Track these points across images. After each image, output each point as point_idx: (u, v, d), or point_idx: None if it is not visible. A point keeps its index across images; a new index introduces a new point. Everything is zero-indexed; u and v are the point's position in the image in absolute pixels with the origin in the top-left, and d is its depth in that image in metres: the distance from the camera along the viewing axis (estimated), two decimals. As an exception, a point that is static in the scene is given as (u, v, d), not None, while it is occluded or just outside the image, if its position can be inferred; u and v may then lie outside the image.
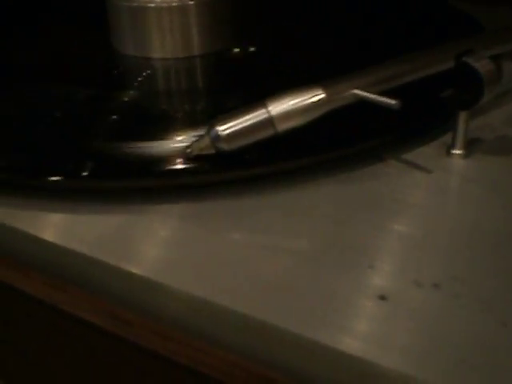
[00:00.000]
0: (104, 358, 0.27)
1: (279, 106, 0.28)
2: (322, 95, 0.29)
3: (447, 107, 0.30)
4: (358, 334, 0.21)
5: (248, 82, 0.37)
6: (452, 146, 0.31)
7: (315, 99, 0.28)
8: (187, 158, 0.29)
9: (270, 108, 0.28)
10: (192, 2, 0.40)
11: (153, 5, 0.40)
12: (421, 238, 0.26)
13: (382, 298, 0.23)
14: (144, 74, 0.39)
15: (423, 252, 0.25)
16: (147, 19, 0.40)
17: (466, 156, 0.31)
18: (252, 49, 0.42)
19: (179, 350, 0.24)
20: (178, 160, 0.29)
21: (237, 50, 0.42)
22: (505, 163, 0.31)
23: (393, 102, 0.27)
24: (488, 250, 0.25)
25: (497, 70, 0.29)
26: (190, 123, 0.34)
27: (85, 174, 0.29)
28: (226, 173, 0.30)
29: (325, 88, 0.29)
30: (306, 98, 0.28)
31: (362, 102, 0.29)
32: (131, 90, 0.38)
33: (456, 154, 0.31)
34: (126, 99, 0.37)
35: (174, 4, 0.40)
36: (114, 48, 0.42)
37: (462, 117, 0.30)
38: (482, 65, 0.29)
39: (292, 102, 0.28)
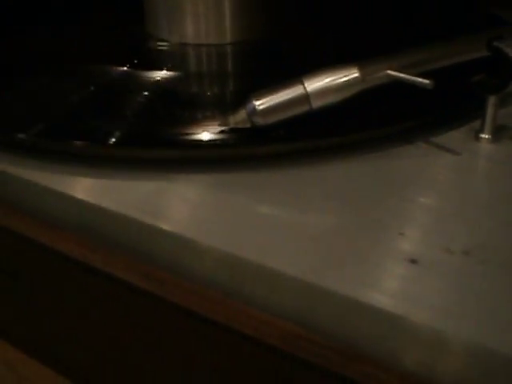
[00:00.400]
0: (138, 316, 0.28)
1: (315, 83, 0.29)
2: (357, 74, 0.29)
3: (477, 93, 0.31)
4: (390, 292, 0.22)
5: (280, 69, 0.38)
6: (480, 130, 0.32)
7: (350, 77, 0.29)
8: (221, 131, 0.30)
9: (305, 84, 0.29)
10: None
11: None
12: (449, 210, 0.27)
13: (413, 261, 0.23)
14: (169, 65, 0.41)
15: (452, 223, 0.26)
16: (182, 4, 0.41)
17: (493, 140, 0.32)
18: (285, 36, 0.43)
19: (212, 308, 0.25)
20: (211, 132, 0.30)
21: (270, 37, 0.43)
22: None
23: (427, 81, 0.28)
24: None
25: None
26: (218, 103, 0.35)
27: (116, 142, 0.30)
28: (258, 147, 0.31)
29: (359, 67, 0.30)
30: (340, 76, 0.29)
31: (395, 84, 0.30)
32: (163, 70, 0.39)
33: (484, 138, 0.32)
34: (158, 78, 0.38)
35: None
36: (149, 33, 0.43)
37: (492, 101, 0.31)
38: (513, 50, 0.30)
39: (327, 80, 0.29)
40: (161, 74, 0.38)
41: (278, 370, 0.24)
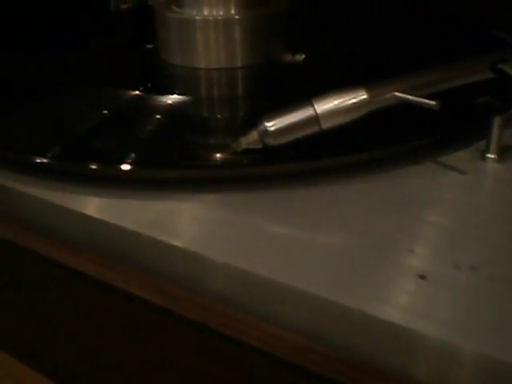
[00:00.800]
0: (153, 332, 0.29)
1: (324, 105, 0.30)
2: (365, 96, 0.30)
3: (482, 114, 0.32)
4: (401, 306, 0.23)
5: (290, 91, 0.39)
6: (486, 150, 0.32)
7: (358, 99, 0.30)
8: (234, 152, 0.31)
9: (315, 106, 0.30)
10: (237, 17, 0.42)
11: (199, 17, 0.42)
12: (457, 228, 0.27)
13: (422, 277, 0.24)
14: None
15: (459, 239, 0.26)
16: (194, 31, 0.43)
17: (499, 160, 0.32)
18: (294, 58, 0.44)
19: (225, 323, 0.25)
20: (223, 153, 0.31)
21: (279, 61, 0.44)
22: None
23: (433, 102, 0.29)
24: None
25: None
26: (230, 125, 0.36)
27: (129, 163, 0.31)
28: (268, 167, 0.32)
29: (367, 89, 0.31)
30: (349, 98, 0.30)
31: (402, 105, 0.31)
32: (176, 94, 0.41)
33: (490, 158, 0.32)
34: (170, 102, 0.39)
35: (220, 18, 0.42)
36: (161, 58, 0.45)
37: (497, 122, 0.31)
38: (516, 72, 0.31)
39: (336, 102, 0.30)
40: (173, 98, 0.40)
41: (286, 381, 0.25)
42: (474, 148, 0.34)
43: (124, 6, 0.60)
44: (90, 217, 0.29)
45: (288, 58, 0.44)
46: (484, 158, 0.33)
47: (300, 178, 0.31)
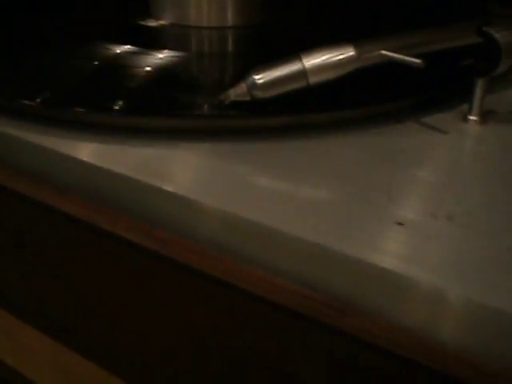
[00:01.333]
0: (140, 274, 0.29)
1: (312, 60, 0.31)
2: (352, 52, 0.31)
3: (466, 77, 0.33)
4: (379, 249, 0.23)
5: (279, 50, 0.40)
6: (469, 111, 0.33)
7: (346, 55, 0.31)
8: (222, 104, 0.31)
9: (303, 61, 0.31)
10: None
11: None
12: (436, 182, 0.28)
13: (400, 224, 0.25)
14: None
15: (438, 192, 0.27)
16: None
17: (481, 123, 0.33)
18: (285, 22, 0.44)
19: (213, 265, 0.26)
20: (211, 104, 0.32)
21: (270, 23, 0.44)
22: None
23: (417, 61, 0.30)
24: (496, 193, 0.27)
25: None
26: (219, 79, 0.36)
27: (120, 110, 0.31)
28: (256, 120, 0.32)
29: (355, 47, 0.31)
30: (337, 53, 0.31)
31: (389, 67, 0.32)
32: (166, 49, 0.41)
33: (472, 119, 0.33)
34: (161, 56, 0.40)
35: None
36: (153, 16, 0.45)
37: (480, 84, 0.32)
38: (501, 35, 0.31)
39: (324, 57, 0.31)
40: (163, 52, 0.40)
41: (276, 325, 0.26)
42: (458, 111, 0.35)
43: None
44: (77, 159, 0.30)
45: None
46: (466, 120, 0.33)
47: (287, 131, 0.32)
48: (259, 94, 0.31)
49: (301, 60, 0.31)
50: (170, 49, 0.40)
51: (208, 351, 0.29)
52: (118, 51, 0.39)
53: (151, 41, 0.43)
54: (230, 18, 0.43)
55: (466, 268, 0.22)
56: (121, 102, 0.32)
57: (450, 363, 0.22)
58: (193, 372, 0.30)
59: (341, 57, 0.31)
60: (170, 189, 0.27)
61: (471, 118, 0.33)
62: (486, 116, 0.33)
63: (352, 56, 0.31)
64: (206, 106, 0.32)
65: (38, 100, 0.32)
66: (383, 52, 0.31)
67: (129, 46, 0.39)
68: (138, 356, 0.32)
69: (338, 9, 0.47)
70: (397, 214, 0.25)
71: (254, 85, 0.31)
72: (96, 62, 0.37)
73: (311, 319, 0.24)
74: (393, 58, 0.31)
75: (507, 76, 0.39)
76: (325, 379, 0.25)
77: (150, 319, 0.30)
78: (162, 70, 0.36)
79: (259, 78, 0.31)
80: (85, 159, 0.30)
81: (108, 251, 0.30)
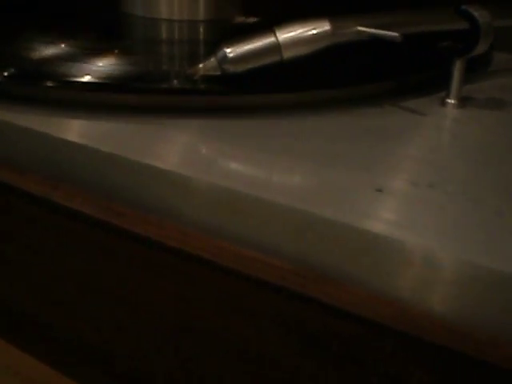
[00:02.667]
0: (100, 249, 0.27)
1: (286, 33, 0.29)
2: (328, 27, 0.30)
3: (443, 58, 0.32)
4: (361, 214, 0.22)
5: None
6: (446, 95, 0.32)
7: (321, 30, 0.30)
8: (190, 79, 0.30)
9: (277, 34, 0.29)
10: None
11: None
12: (415, 156, 0.27)
13: (379, 190, 0.23)
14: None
15: (418, 164, 0.26)
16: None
17: (459, 107, 0.32)
18: (256, 19, 0.43)
19: (170, 235, 0.24)
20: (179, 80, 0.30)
21: (241, 18, 0.43)
22: (494, 115, 0.32)
23: (395, 34, 0.29)
24: (478, 166, 0.26)
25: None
26: (186, 59, 0.35)
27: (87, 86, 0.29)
28: (223, 98, 0.30)
29: (331, 22, 0.30)
30: (312, 27, 0.30)
31: (366, 47, 0.31)
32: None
33: (450, 103, 0.32)
34: (130, 42, 0.38)
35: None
36: (123, 11, 0.43)
37: (458, 65, 0.31)
38: (479, 14, 0.30)
39: (299, 31, 0.30)
40: (134, 39, 0.39)
41: (238, 294, 0.23)
42: (435, 97, 0.33)
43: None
44: (36, 132, 0.28)
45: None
46: (444, 104, 0.32)
47: (261, 110, 0.30)
48: (230, 68, 0.29)
49: (274, 33, 0.29)
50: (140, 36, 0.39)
51: (170, 326, 0.26)
52: (86, 38, 0.37)
53: (120, 31, 0.41)
54: (201, 12, 0.42)
55: (454, 231, 0.21)
56: (88, 79, 0.30)
57: (436, 332, 0.20)
58: (157, 351, 0.28)
59: (316, 31, 0.30)
60: (136, 158, 0.25)
61: (449, 101, 0.32)
62: (464, 101, 0.32)
63: (327, 30, 0.30)
64: (174, 80, 0.30)
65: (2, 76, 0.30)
66: (360, 28, 0.30)
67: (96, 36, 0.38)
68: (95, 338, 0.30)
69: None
70: (376, 182, 0.24)
71: (225, 58, 0.29)
72: (63, 45, 0.35)
73: (282, 288, 0.22)
74: (369, 33, 0.30)
75: (485, 69, 0.39)
76: (299, 353, 0.22)
77: (107, 293, 0.28)
78: (131, 54, 0.35)
79: (230, 51, 0.29)
80: (39, 129, 0.28)
81: (65, 227, 0.28)
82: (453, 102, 0.32)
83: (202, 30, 0.42)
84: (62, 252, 0.28)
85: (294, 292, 0.22)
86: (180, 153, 0.27)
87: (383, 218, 0.22)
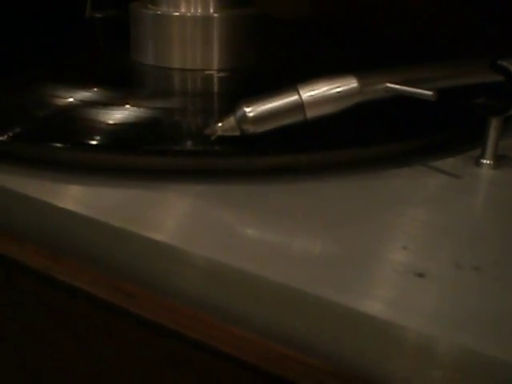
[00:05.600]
0: (105, 331, 0.25)
1: (311, 91, 0.27)
2: (355, 84, 0.28)
3: (479, 115, 0.29)
4: (396, 304, 0.19)
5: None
6: (481, 155, 0.30)
7: (347, 87, 0.28)
8: (207, 141, 0.28)
9: (301, 92, 0.27)
10: (216, 15, 0.40)
11: (177, 13, 0.40)
12: (453, 228, 0.24)
13: (420, 275, 0.21)
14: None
15: (457, 239, 0.23)
16: (170, 28, 0.40)
17: (494, 167, 0.30)
18: (271, 66, 0.41)
19: (185, 323, 0.22)
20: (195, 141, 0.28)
21: (257, 66, 0.42)
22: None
23: (429, 93, 0.27)
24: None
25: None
26: (205, 118, 0.33)
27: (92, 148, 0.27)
28: (241, 159, 0.28)
29: (358, 78, 0.28)
30: (338, 85, 0.28)
31: (396, 105, 0.28)
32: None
33: (485, 163, 0.30)
34: (143, 96, 0.36)
35: (198, 14, 0.40)
36: (133, 58, 0.42)
37: (494, 124, 0.29)
38: (517, 69, 0.28)
39: (324, 89, 0.27)
40: (146, 91, 0.37)
41: None
42: (467, 156, 0.31)
43: (98, 15, 0.58)
44: (34, 199, 0.25)
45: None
46: (478, 164, 0.30)
47: (281, 172, 0.28)
48: (250, 129, 0.27)
49: (298, 91, 0.27)
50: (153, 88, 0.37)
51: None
52: (96, 91, 0.35)
53: (132, 81, 0.39)
54: (216, 62, 0.40)
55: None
56: (95, 141, 0.28)
57: None
58: None
59: (342, 89, 0.28)
60: (147, 234, 0.23)
61: (484, 161, 0.30)
62: (499, 161, 0.30)
63: (354, 88, 0.28)
64: (189, 141, 0.28)
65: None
66: (389, 85, 0.28)
67: (106, 87, 0.36)
68: None
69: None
70: (415, 265, 0.21)
71: (245, 118, 0.27)
72: (72, 100, 0.33)
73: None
74: (400, 90, 0.28)
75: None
76: None
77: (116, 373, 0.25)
78: (144, 109, 0.33)
79: (250, 110, 0.27)
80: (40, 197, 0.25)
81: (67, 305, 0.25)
82: (488, 162, 0.30)
83: (216, 80, 0.40)
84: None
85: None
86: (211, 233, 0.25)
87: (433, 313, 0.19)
